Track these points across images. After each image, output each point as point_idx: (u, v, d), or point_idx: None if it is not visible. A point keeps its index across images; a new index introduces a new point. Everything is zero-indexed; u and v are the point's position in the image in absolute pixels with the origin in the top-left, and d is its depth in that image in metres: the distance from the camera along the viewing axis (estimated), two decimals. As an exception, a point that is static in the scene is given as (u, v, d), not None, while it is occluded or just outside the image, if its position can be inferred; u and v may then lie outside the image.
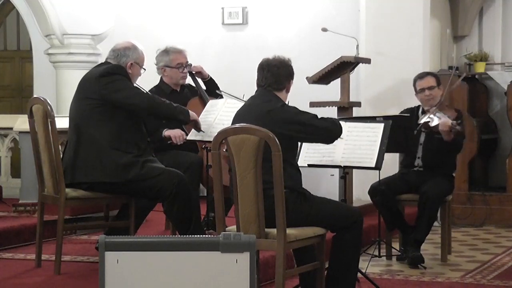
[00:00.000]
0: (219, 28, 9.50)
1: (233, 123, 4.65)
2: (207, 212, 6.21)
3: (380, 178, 6.16)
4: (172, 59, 6.30)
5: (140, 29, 9.37)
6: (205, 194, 6.24)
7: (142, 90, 5.32)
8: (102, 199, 5.33)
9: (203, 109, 5.96)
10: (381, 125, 5.33)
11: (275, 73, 4.64)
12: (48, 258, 5.46)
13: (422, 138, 6.33)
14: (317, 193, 4.72)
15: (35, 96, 5.83)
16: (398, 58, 8.38)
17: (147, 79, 5.81)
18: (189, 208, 5.22)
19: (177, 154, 6.04)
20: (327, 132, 4.66)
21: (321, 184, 7.09)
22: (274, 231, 4.30)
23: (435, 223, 6.59)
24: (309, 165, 5.33)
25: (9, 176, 8.41)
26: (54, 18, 9.31)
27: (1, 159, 8.42)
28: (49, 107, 5.13)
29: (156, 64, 6.36)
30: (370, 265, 5.88)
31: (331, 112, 7.10)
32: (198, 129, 5.59)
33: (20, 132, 7.34)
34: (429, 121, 6.05)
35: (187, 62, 6.35)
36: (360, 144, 5.29)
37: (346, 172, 5.51)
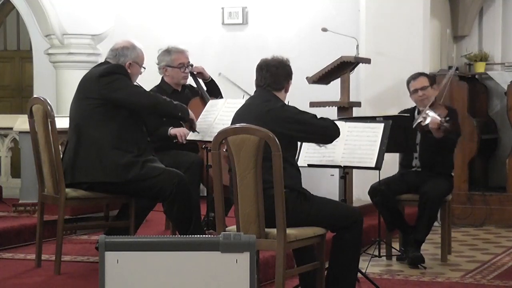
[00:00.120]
0: (219, 28, 9.50)
1: (232, 122, 4.66)
2: (207, 212, 6.21)
3: (380, 178, 6.16)
4: (174, 59, 6.31)
5: (140, 29, 9.37)
6: (205, 194, 6.24)
7: (143, 88, 5.33)
8: (102, 199, 5.33)
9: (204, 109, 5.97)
10: (381, 125, 5.33)
11: (274, 73, 4.65)
12: (48, 258, 5.46)
13: (418, 138, 6.34)
14: (317, 193, 4.72)
15: (35, 96, 5.82)
16: (398, 58, 8.38)
17: (147, 79, 5.81)
18: (189, 208, 5.23)
19: (177, 154, 6.04)
20: (327, 131, 4.68)
21: (321, 184, 7.09)
22: (274, 231, 4.30)
23: (435, 223, 6.59)
24: (309, 165, 5.34)
25: (9, 176, 8.41)
26: (54, 18, 9.31)
27: (1, 159, 8.42)
28: (49, 107, 5.13)
29: (157, 64, 6.37)
30: (370, 265, 5.88)
31: (331, 112, 7.10)
32: (193, 129, 5.60)
33: (20, 132, 7.34)
34: (421, 121, 6.09)
35: (189, 62, 6.36)
36: (360, 144, 5.29)
37: (346, 172, 5.51)
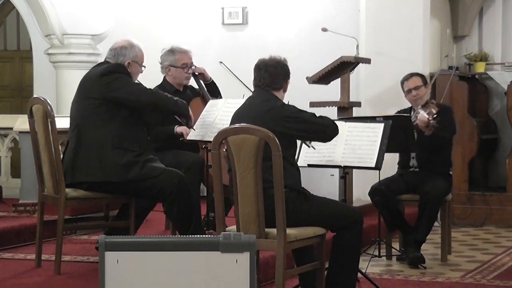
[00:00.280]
0: (219, 28, 9.50)
1: (232, 122, 4.66)
2: (207, 212, 6.21)
3: (380, 179, 6.17)
4: (177, 59, 6.32)
5: (140, 29, 9.37)
6: (205, 194, 6.25)
7: (143, 86, 5.33)
8: (102, 199, 5.33)
9: (205, 109, 5.98)
10: (381, 125, 5.33)
11: (273, 73, 4.67)
12: (48, 258, 5.46)
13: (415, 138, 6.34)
14: (317, 193, 4.72)
15: (35, 96, 5.83)
16: (398, 58, 8.38)
17: (148, 78, 5.81)
18: (189, 208, 5.23)
19: (178, 153, 6.04)
20: (327, 130, 4.70)
21: (321, 184, 7.09)
22: (274, 231, 4.30)
23: (435, 223, 6.59)
24: (309, 165, 5.34)
25: (9, 176, 8.41)
26: (54, 18, 9.31)
27: (1, 159, 8.42)
28: (49, 107, 5.13)
29: (160, 63, 6.38)
30: (370, 265, 5.88)
31: (331, 112, 7.10)
32: (189, 125, 5.61)
33: (20, 132, 7.34)
34: (414, 120, 6.14)
35: (192, 63, 6.37)
36: (360, 144, 5.29)
37: (346, 172, 5.51)
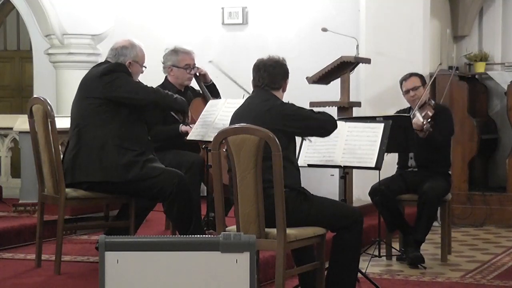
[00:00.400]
0: (219, 28, 9.50)
1: (231, 122, 4.66)
2: (207, 212, 6.21)
3: (380, 178, 6.17)
4: (180, 60, 6.33)
5: (140, 29, 9.36)
6: (205, 194, 6.25)
7: (143, 84, 5.34)
8: (102, 199, 5.33)
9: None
10: (381, 125, 5.33)
11: (272, 73, 4.68)
12: (48, 258, 5.46)
13: None
14: (317, 193, 4.72)
15: (35, 96, 5.83)
16: (398, 58, 8.38)
17: (149, 78, 5.81)
18: (189, 208, 5.23)
19: (178, 153, 6.04)
20: (326, 125, 4.73)
21: (321, 184, 7.09)
22: (274, 231, 4.30)
23: (435, 223, 6.59)
24: (309, 165, 5.34)
25: (9, 176, 8.41)
26: (54, 18, 9.31)
27: (1, 159, 8.41)
28: (49, 107, 5.13)
29: (163, 63, 6.38)
30: (370, 265, 5.88)
31: (331, 112, 7.08)
32: (186, 123, 5.61)
33: (20, 132, 7.34)
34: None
35: (195, 64, 6.38)
36: (360, 144, 5.29)
37: (346, 172, 5.51)
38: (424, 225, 6.18)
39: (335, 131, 5.24)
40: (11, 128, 7.93)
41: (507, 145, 8.77)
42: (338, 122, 5.17)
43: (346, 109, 7.51)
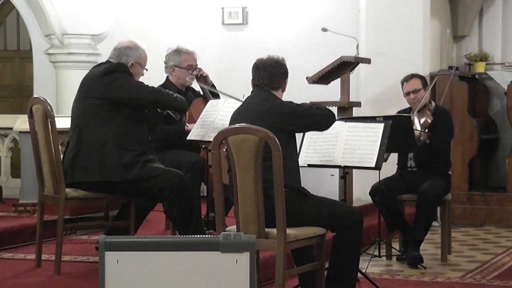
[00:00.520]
0: (219, 28, 9.50)
1: (231, 122, 4.67)
2: (207, 212, 6.21)
3: (380, 178, 6.17)
4: (182, 60, 6.34)
5: (140, 29, 9.37)
6: (205, 194, 6.25)
7: (144, 84, 5.34)
8: (102, 199, 5.33)
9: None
10: (381, 125, 5.33)
11: (271, 73, 4.68)
12: (48, 258, 5.46)
13: None
14: (317, 193, 4.72)
15: (35, 96, 5.83)
16: (398, 58, 8.38)
17: (149, 78, 5.80)
18: (189, 208, 5.23)
19: (178, 153, 6.05)
20: (325, 119, 4.74)
21: (321, 184, 7.09)
22: (274, 231, 4.30)
23: (435, 223, 6.59)
24: (309, 165, 5.34)
25: (9, 176, 8.41)
26: (54, 18, 9.31)
27: (1, 159, 8.42)
28: (49, 107, 5.13)
29: (165, 63, 6.39)
30: (370, 265, 5.88)
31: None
32: (183, 121, 5.61)
33: (20, 132, 7.34)
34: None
35: (196, 64, 6.38)
36: (360, 144, 5.29)
37: (346, 172, 5.51)
38: (423, 225, 6.18)
39: (335, 131, 5.26)
40: (11, 128, 7.93)
41: (507, 145, 8.77)
42: (338, 122, 5.17)
43: (346, 109, 7.51)
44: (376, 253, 6.07)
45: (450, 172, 6.56)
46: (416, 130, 6.16)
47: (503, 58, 9.05)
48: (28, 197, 6.99)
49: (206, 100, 6.32)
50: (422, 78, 6.53)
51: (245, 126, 4.31)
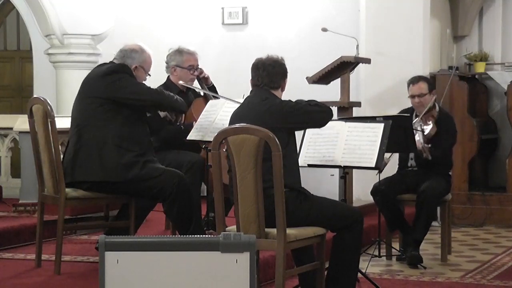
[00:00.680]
0: (219, 28, 9.50)
1: (231, 122, 4.67)
2: (207, 212, 6.21)
3: (380, 178, 6.17)
4: (184, 60, 6.35)
5: (140, 29, 9.37)
6: (205, 194, 6.25)
7: (146, 85, 5.35)
8: (102, 199, 5.33)
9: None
10: (381, 125, 5.33)
11: (271, 72, 4.68)
12: (48, 258, 5.46)
13: None
14: (317, 193, 4.72)
15: (35, 96, 5.83)
16: (398, 58, 8.38)
17: (149, 78, 5.81)
18: (189, 208, 5.23)
19: (179, 153, 6.05)
20: (324, 115, 4.73)
21: (321, 184, 7.09)
22: (274, 231, 4.30)
23: (435, 223, 6.59)
24: (309, 165, 5.34)
25: (9, 176, 8.41)
26: (54, 18, 9.31)
27: (1, 159, 8.41)
28: (49, 107, 5.13)
29: (166, 63, 6.39)
30: (370, 265, 5.88)
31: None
32: (177, 121, 5.62)
33: (20, 132, 7.34)
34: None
35: (198, 64, 6.39)
36: (360, 144, 5.29)
37: (346, 172, 5.51)
38: (423, 225, 6.18)
39: (335, 131, 5.26)
40: (11, 128, 7.93)
41: (507, 145, 8.77)
42: (338, 122, 5.16)
43: (346, 109, 7.51)
44: (376, 253, 6.07)
45: (450, 173, 6.55)
46: (419, 142, 6.13)
47: (503, 58, 9.05)
48: (28, 197, 6.99)
49: (206, 100, 6.33)
50: (429, 82, 6.48)
51: (245, 126, 4.31)
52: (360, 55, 7.77)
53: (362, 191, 7.78)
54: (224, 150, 4.40)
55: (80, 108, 5.21)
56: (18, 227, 6.20)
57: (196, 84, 6.51)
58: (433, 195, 6.15)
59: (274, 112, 4.56)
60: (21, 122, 7.29)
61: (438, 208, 6.53)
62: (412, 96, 6.40)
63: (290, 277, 4.82)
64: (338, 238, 4.66)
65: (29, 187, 6.99)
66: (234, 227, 4.43)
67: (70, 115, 5.33)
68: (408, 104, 6.65)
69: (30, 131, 5.34)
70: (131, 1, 9.79)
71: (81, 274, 5.15)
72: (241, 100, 5.05)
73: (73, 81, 9.07)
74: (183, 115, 5.73)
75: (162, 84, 6.32)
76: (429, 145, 6.20)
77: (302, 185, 4.66)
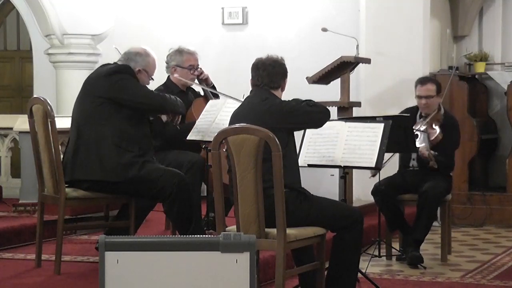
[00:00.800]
0: (219, 28, 9.50)
1: (231, 122, 4.67)
2: (207, 212, 6.21)
3: (381, 178, 6.17)
4: (184, 60, 6.35)
5: (140, 29, 9.37)
6: (205, 194, 6.25)
7: (148, 88, 5.35)
8: (102, 199, 5.33)
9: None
10: (381, 125, 5.32)
11: (271, 72, 4.68)
12: (48, 258, 5.46)
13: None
14: (317, 193, 4.72)
15: (35, 96, 5.83)
16: (398, 58, 8.38)
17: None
18: (190, 208, 5.23)
19: (179, 153, 6.05)
20: (322, 116, 4.75)
21: (321, 184, 7.09)
22: (274, 231, 4.30)
23: (435, 223, 6.58)
24: (309, 165, 5.34)
25: (9, 176, 8.40)
26: (54, 18, 9.30)
27: (1, 159, 8.41)
28: (49, 107, 5.13)
29: (166, 63, 6.39)
30: (370, 265, 5.88)
31: (331, 112, 7.09)
32: (175, 123, 5.64)
33: (20, 132, 7.34)
34: (417, 134, 6.16)
35: (198, 64, 6.39)
36: (360, 144, 5.29)
37: (346, 172, 5.51)
38: (424, 225, 6.18)
39: (335, 131, 5.26)
40: (11, 128, 7.93)
41: (507, 145, 8.77)
42: (338, 122, 5.16)
43: (346, 109, 7.51)
44: (376, 253, 6.07)
45: (451, 174, 6.55)
46: (424, 151, 6.12)
47: (503, 58, 9.05)
48: (28, 197, 6.99)
49: (206, 100, 6.33)
50: (437, 84, 6.46)
51: (245, 126, 4.31)
52: (360, 55, 7.77)
53: (362, 191, 7.78)
54: (224, 150, 4.40)
55: (81, 107, 5.20)
56: (18, 227, 6.20)
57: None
58: (434, 196, 6.15)
59: (274, 112, 4.57)
60: (21, 122, 7.29)
61: (438, 208, 6.53)
62: (419, 97, 6.38)
63: (290, 277, 4.82)
64: (338, 238, 4.66)
65: (29, 187, 6.99)
66: (234, 227, 4.43)
67: (70, 115, 5.33)
68: (407, 104, 6.65)
69: (30, 131, 5.34)
70: (131, 1, 9.79)
71: (81, 274, 5.15)
72: (241, 100, 5.06)
73: (73, 81, 9.08)
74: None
75: (162, 84, 6.32)
76: (436, 153, 6.17)
77: (302, 185, 4.66)
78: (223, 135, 4.30)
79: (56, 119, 5.15)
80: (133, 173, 5.07)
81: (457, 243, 7.21)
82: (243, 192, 4.31)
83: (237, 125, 4.39)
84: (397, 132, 5.65)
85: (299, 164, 4.95)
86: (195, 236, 2.83)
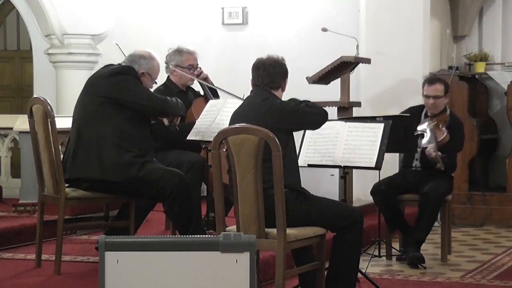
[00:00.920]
0: (219, 28, 9.50)
1: (231, 122, 4.67)
2: (207, 212, 6.21)
3: (380, 178, 6.17)
4: (184, 60, 6.35)
5: (140, 29, 9.37)
6: (205, 194, 6.25)
7: (150, 91, 5.35)
8: (102, 199, 5.33)
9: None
10: (381, 125, 5.33)
11: (271, 72, 4.68)
12: (48, 258, 5.46)
13: (419, 142, 6.33)
14: (317, 193, 4.72)
15: (35, 96, 5.83)
16: (398, 58, 8.38)
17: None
18: (190, 208, 5.23)
19: (179, 153, 6.05)
20: (320, 118, 4.74)
21: (321, 184, 7.09)
22: (274, 231, 4.30)
23: (435, 223, 6.58)
24: (309, 165, 5.34)
25: (9, 176, 8.41)
26: (54, 18, 9.31)
27: (1, 159, 8.41)
28: (49, 107, 5.13)
29: (166, 63, 6.39)
30: (370, 265, 5.88)
31: (331, 112, 7.09)
32: (174, 124, 5.65)
33: (20, 132, 7.34)
34: (423, 134, 6.15)
35: (197, 64, 6.40)
36: (360, 144, 5.29)
37: (346, 172, 5.51)
38: (425, 225, 6.18)
39: (335, 131, 5.27)
40: (11, 128, 7.93)
41: (507, 145, 8.77)
42: (338, 122, 5.16)
43: (346, 109, 7.51)
44: (376, 253, 6.07)
45: (453, 174, 6.54)
46: (431, 152, 6.11)
47: (503, 58, 9.05)
48: (28, 197, 6.99)
49: (206, 100, 6.33)
50: (445, 84, 6.45)
51: (245, 126, 4.31)
52: (360, 55, 7.77)
53: (362, 191, 7.78)
54: (224, 150, 4.40)
55: (82, 107, 5.21)
56: (18, 227, 6.20)
57: (195, 84, 6.52)
58: (436, 196, 6.14)
59: (275, 112, 4.57)
60: (21, 122, 7.29)
61: (438, 208, 6.53)
62: (427, 97, 6.36)
63: (290, 277, 4.82)
64: (338, 238, 4.66)
65: (29, 187, 6.99)
66: (234, 227, 4.43)
67: (70, 115, 5.33)
68: (408, 103, 6.66)
69: (30, 131, 5.34)
70: (131, 1, 9.79)
71: (81, 274, 5.15)
72: (241, 100, 5.06)
73: (73, 81, 9.08)
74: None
75: (162, 84, 6.32)
76: (444, 155, 6.17)
77: (302, 185, 4.66)
78: (223, 135, 4.30)
79: (56, 119, 5.15)
80: (133, 173, 5.07)
81: (457, 243, 7.22)
82: (243, 192, 4.31)
83: (237, 125, 4.39)
84: (397, 132, 5.65)
85: (299, 164, 4.96)
86: (195, 236, 2.83)
